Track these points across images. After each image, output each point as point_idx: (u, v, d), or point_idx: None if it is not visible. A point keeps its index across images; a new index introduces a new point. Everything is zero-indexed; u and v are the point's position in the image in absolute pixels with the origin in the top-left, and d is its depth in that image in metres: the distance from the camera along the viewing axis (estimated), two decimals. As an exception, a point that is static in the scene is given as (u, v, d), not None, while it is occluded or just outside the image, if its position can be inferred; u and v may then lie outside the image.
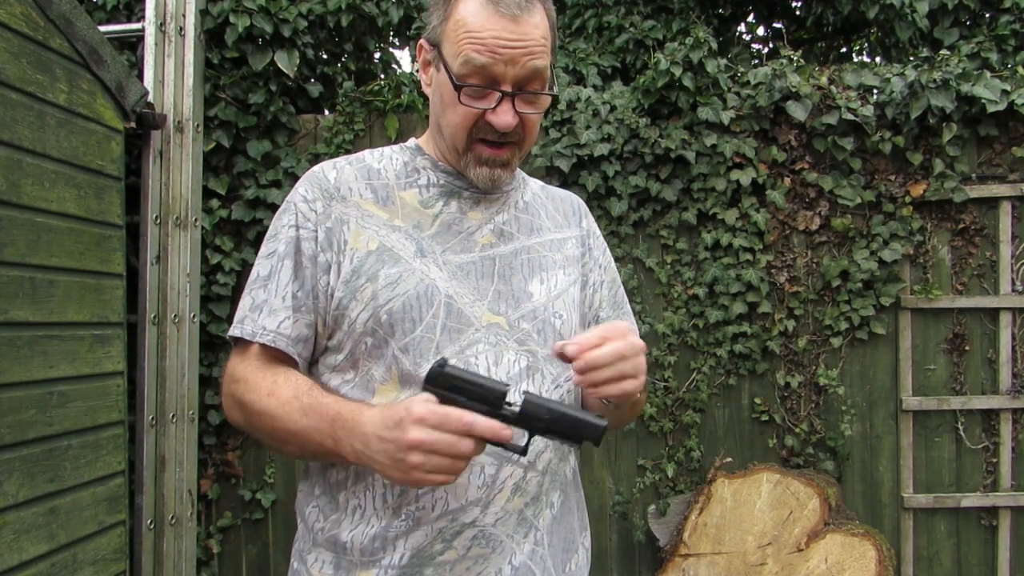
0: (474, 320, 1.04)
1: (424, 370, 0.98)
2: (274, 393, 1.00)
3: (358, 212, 1.07)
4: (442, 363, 0.90)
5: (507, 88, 1.01)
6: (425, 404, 0.87)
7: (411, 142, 1.17)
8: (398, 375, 1.02)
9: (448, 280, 1.05)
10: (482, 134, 1.05)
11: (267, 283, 1.06)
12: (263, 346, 1.05)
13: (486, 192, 1.12)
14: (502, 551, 1.02)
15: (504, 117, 1.02)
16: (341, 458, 0.97)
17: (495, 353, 1.04)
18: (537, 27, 1.02)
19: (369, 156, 1.14)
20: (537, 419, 0.90)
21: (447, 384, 0.89)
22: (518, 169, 1.18)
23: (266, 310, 1.05)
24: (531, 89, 1.03)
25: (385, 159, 1.14)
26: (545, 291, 1.11)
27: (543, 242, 1.16)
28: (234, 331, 1.07)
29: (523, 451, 0.92)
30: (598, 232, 1.27)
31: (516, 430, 0.90)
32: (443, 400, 0.88)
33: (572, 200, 1.27)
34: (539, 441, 1.03)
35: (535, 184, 1.25)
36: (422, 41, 1.10)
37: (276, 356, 1.06)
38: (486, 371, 1.03)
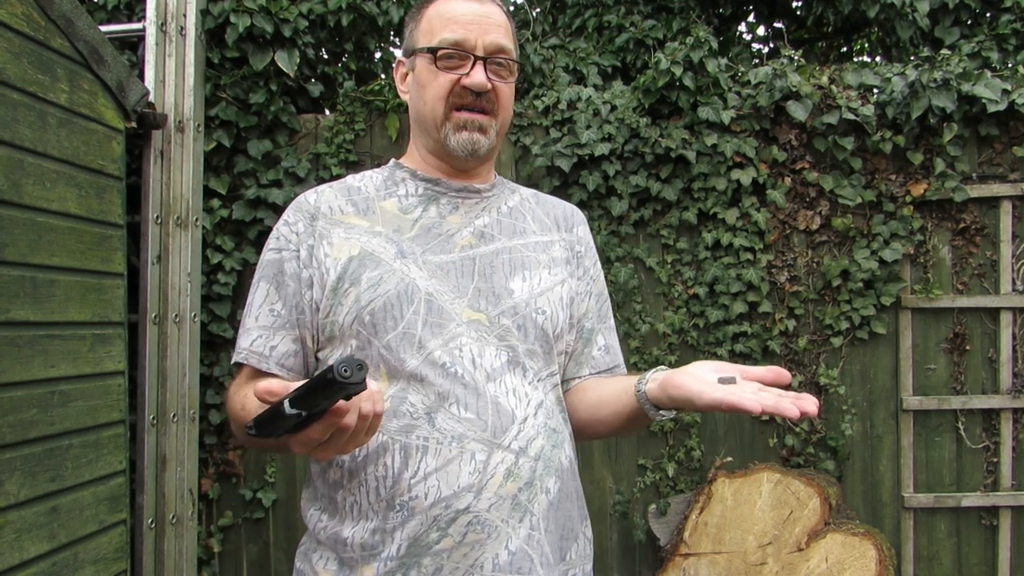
0: (455, 316, 1.07)
1: (409, 364, 1.04)
2: (245, 407, 1.07)
3: (340, 227, 1.12)
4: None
5: (479, 53, 1.11)
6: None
7: (391, 162, 1.23)
8: (386, 371, 1.06)
9: (428, 279, 1.08)
10: (459, 100, 1.11)
11: (248, 309, 1.16)
12: (245, 365, 1.15)
13: (465, 159, 1.15)
14: (498, 536, 1.03)
15: (478, 76, 1.10)
16: None
17: (478, 347, 1.07)
18: (499, 13, 1.15)
19: (351, 178, 1.22)
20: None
21: (311, 406, 0.77)
22: (507, 180, 1.25)
23: (244, 332, 1.15)
24: (500, 58, 1.13)
25: (365, 179, 1.21)
26: (527, 288, 1.13)
27: (527, 243, 1.18)
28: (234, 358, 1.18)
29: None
30: (592, 244, 1.30)
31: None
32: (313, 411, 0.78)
33: (567, 208, 1.30)
34: (529, 428, 1.06)
35: (527, 192, 1.28)
36: (398, 58, 1.21)
37: (260, 373, 1.13)
38: (471, 363, 1.05)
